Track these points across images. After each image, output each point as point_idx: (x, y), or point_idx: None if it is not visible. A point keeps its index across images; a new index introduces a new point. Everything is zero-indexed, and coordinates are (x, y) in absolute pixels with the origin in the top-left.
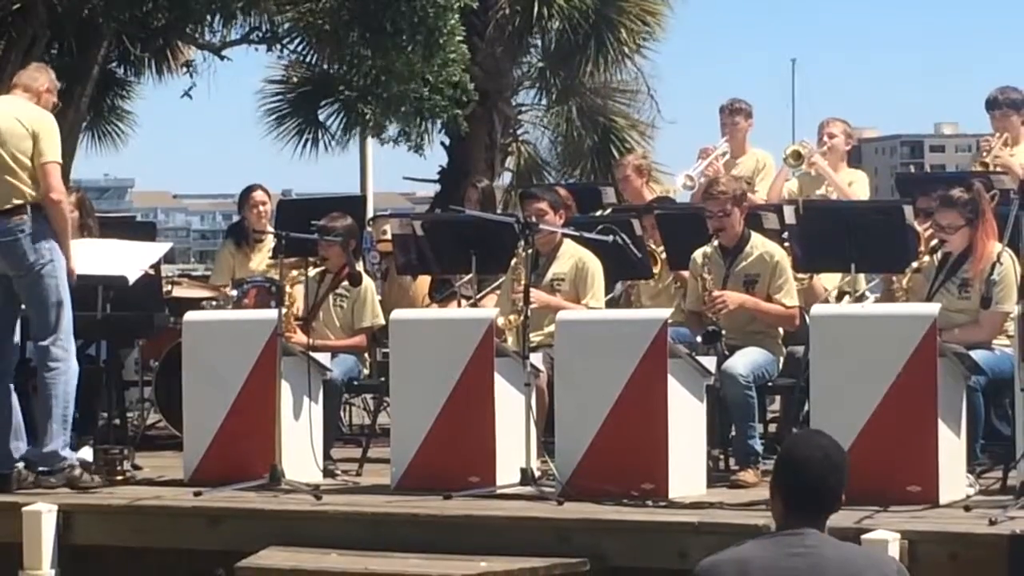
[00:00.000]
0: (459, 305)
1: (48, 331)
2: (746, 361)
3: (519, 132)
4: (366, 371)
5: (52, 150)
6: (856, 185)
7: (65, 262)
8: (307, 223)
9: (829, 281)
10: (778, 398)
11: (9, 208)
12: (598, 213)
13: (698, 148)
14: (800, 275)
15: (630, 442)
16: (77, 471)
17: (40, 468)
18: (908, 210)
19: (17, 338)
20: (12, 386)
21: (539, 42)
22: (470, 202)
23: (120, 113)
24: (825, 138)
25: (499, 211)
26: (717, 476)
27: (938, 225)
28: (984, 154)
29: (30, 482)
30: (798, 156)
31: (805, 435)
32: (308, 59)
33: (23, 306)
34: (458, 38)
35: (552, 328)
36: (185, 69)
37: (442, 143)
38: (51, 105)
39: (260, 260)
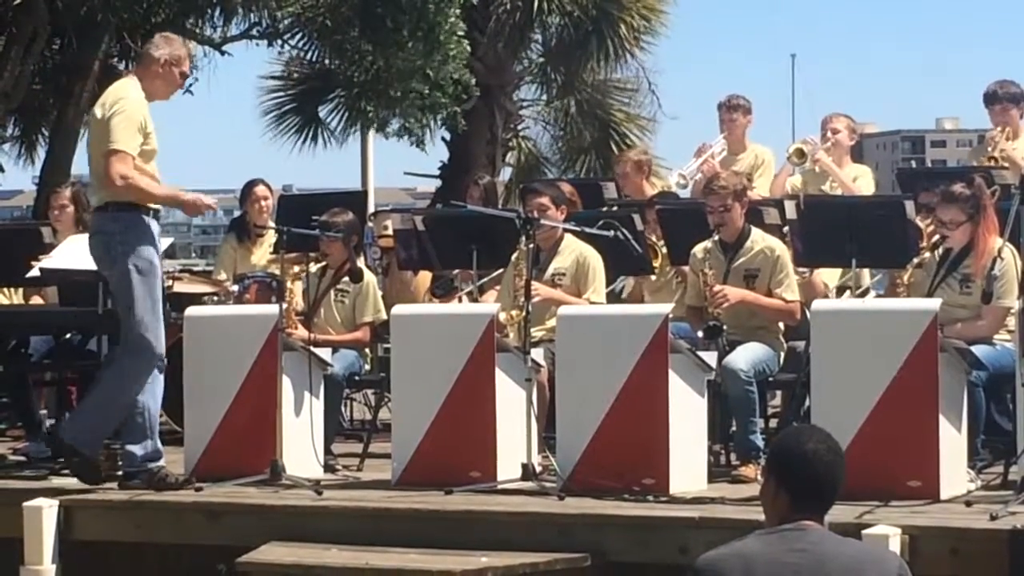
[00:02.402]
0: (460, 300)
1: (122, 333)
2: (747, 356)
3: (520, 128)
4: (367, 366)
5: (119, 137)
6: (861, 180)
7: (151, 266)
8: (308, 218)
9: (829, 276)
10: (779, 393)
11: (100, 206)
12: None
13: (696, 144)
14: (800, 269)
15: (631, 437)
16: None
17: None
18: (909, 205)
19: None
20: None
21: (540, 38)
22: (472, 199)
23: None
24: (829, 134)
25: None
26: (718, 471)
27: (939, 221)
28: (991, 148)
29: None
30: (801, 154)
31: (804, 429)
32: (309, 55)
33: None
34: (458, 35)
35: (553, 323)
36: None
37: (443, 138)
38: (176, 79)
39: (261, 255)
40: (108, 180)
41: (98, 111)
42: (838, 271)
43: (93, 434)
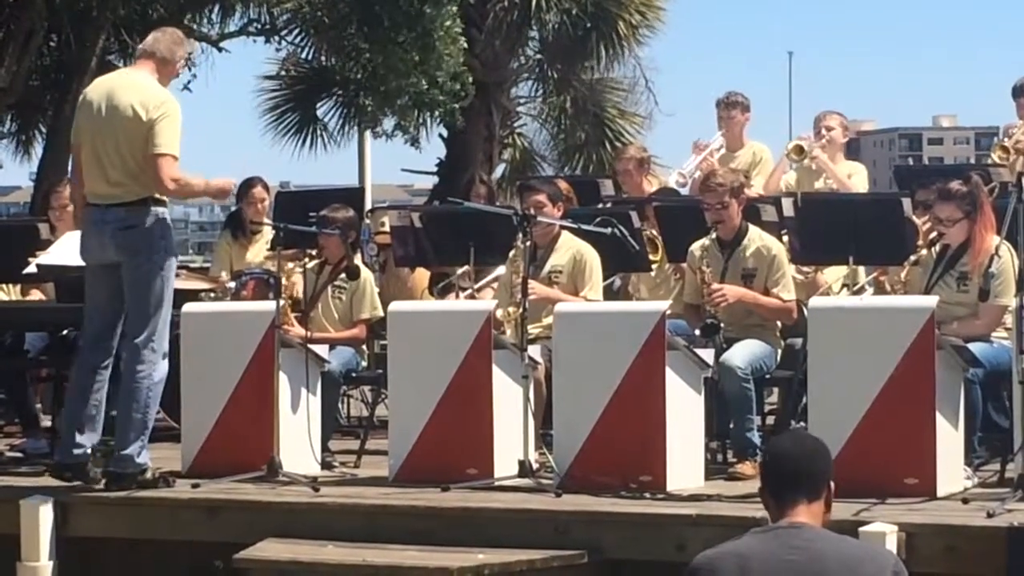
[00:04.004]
0: (457, 297)
1: (141, 329)
2: (744, 354)
3: (517, 125)
4: (364, 363)
5: (168, 142)
6: (855, 177)
7: (176, 260)
8: (305, 215)
9: (832, 276)
10: (776, 390)
11: (132, 201)
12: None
13: (692, 142)
14: (805, 268)
15: (628, 434)
16: (148, 475)
17: (113, 469)
18: (906, 203)
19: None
20: (103, 379)
21: (537, 35)
22: (478, 197)
23: None
24: (823, 131)
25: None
26: (715, 468)
27: (936, 218)
28: (1007, 139)
29: (92, 477)
30: (800, 151)
31: (788, 434)
32: (306, 53)
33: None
34: (456, 32)
35: (550, 320)
36: (183, 62)
37: (440, 135)
38: (176, 75)
39: (257, 251)
40: (158, 182)
41: (141, 112)
42: (842, 272)
43: (142, 446)
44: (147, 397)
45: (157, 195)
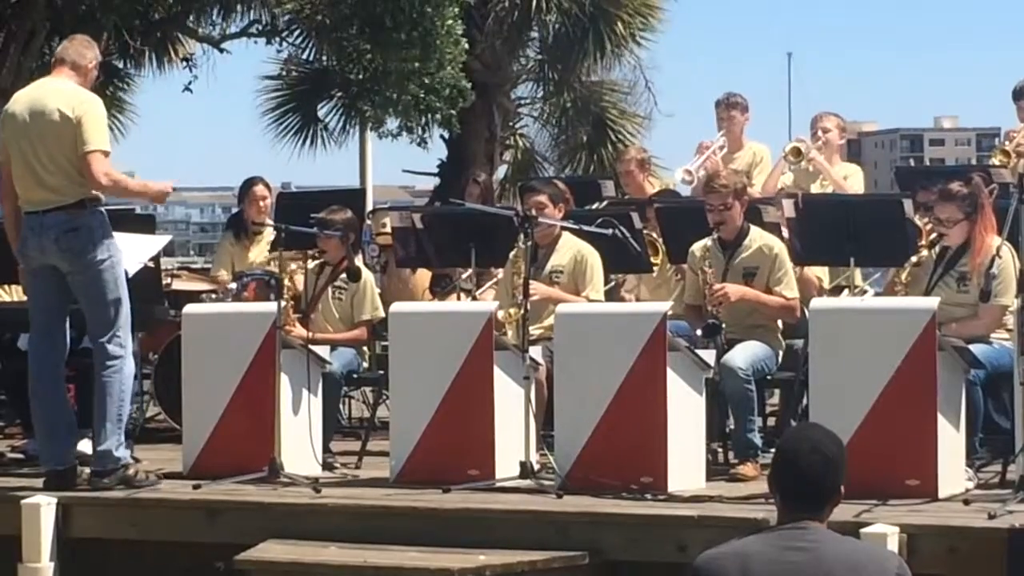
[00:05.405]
0: (458, 298)
1: (106, 328)
2: (745, 355)
3: (518, 126)
4: (365, 364)
5: (96, 138)
6: (851, 179)
7: (121, 256)
8: (306, 216)
9: (820, 271)
10: (777, 391)
11: (69, 204)
12: (594, 206)
13: (696, 143)
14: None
15: (629, 435)
16: (131, 471)
17: (93, 468)
18: (908, 204)
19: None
20: (61, 375)
21: (538, 36)
22: (471, 197)
23: (120, 105)
24: (819, 132)
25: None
26: (716, 469)
27: (937, 219)
28: (1007, 143)
29: (82, 479)
30: (798, 153)
31: (798, 429)
32: (307, 54)
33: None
34: (458, 33)
35: (551, 321)
36: (185, 63)
37: (441, 136)
38: (95, 80)
39: (259, 252)
40: (91, 179)
41: (68, 111)
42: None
43: (119, 441)
44: (120, 392)
45: (94, 194)
